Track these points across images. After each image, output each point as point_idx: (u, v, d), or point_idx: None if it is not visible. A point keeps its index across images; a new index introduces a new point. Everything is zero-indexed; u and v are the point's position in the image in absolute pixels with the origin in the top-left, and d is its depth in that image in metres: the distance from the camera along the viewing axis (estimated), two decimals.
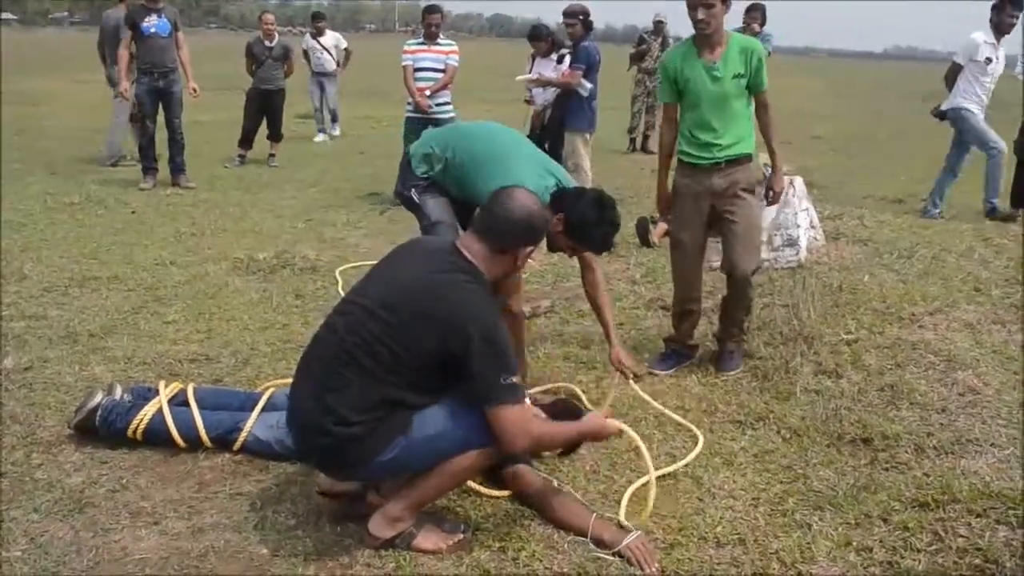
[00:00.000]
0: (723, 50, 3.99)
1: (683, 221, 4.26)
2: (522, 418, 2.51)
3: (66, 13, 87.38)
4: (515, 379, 2.48)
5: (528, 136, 7.00)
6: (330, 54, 12.43)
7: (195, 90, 8.63)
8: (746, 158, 4.12)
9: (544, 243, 3.78)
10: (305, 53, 12.47)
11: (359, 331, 2.53)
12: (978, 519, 2.91)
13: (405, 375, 2.50)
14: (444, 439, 2.53)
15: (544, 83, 8.08)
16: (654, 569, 2.60)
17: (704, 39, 4.00)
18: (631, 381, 3.78)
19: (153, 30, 8.11)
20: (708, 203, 4.12)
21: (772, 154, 4.24)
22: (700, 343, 4.45)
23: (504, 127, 4.04)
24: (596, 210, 3.47)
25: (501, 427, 2.46)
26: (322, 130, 12.96)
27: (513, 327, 3.68)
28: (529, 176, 3.60)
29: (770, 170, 4.34)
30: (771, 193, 4.32)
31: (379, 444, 2.50)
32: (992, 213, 8.21)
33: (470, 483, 2.96)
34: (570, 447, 3.14)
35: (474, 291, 2.56)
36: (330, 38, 12.54)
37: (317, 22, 12.47)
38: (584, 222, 3.46)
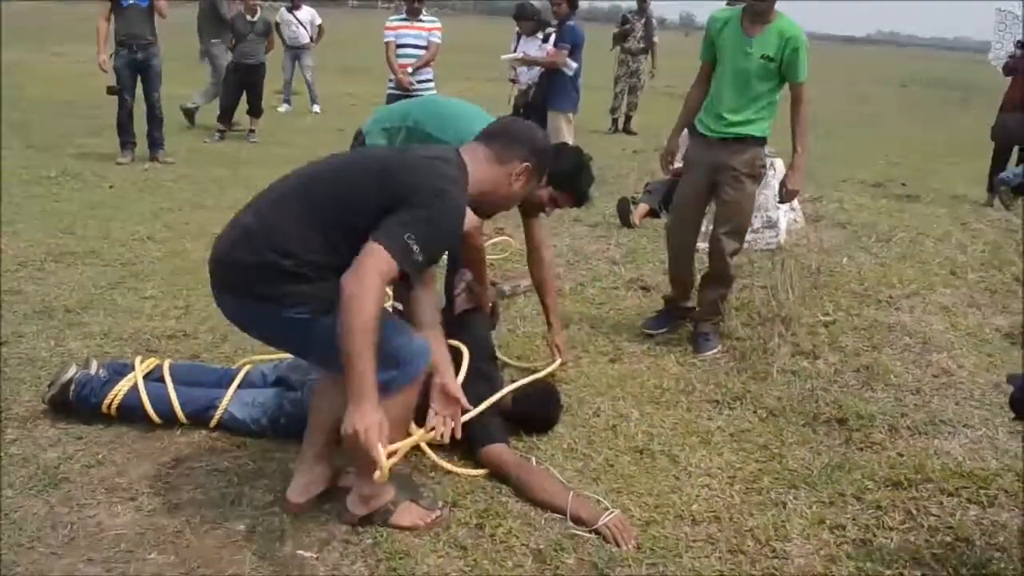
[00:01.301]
0: (764, 28, 3.92)
1: (685, 189, 4.29)
2: (384, 268, 2.21)
3: None
4: (422, 257, 2.27)
5: (512, 115, 6.99)
6: (305, 28, 12.36)
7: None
8: (754, 140, 4.05)
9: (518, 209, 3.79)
10: (277, 26, 12.37)
11: (316, 174, 2.52)
12: (950, 498, 2.96)
13: (343, 225, 2.33)
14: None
15: (530, 62, 8.04)
16: (631, 546, 2.62)
17: (754, 13, 3.94)
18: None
19: (132, 1, 7.97)
20: (710, 176, 4.12)
21: (794, 151, 4.11)
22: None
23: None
24: (577, 160, 3.58)
25: (360, 260, 2.21)
26: (287, 100, 12.95)
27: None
28: None
29: (772, 158, 4.29)
30: (784, 191, 4.22)
31: (292, 297, 2.35)
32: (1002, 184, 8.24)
33: (447, 465, 2.97)
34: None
35: (440, 167, 2.39)
36: (306, 13, 12.47)
37: None
38: (566, 170, 3.52)
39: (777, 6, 3.96)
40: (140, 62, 8.16)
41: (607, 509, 2.74)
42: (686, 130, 4.36)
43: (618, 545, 2.61)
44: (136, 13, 8.01)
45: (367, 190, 2.35)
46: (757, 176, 4.14)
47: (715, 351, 4.22)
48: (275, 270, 2.34)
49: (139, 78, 8.25)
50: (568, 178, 3.54)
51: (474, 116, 3.68)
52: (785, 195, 4.26)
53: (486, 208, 2.63)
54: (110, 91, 8.25)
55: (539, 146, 2.60)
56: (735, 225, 4.14)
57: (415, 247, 2.23)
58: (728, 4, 4.20)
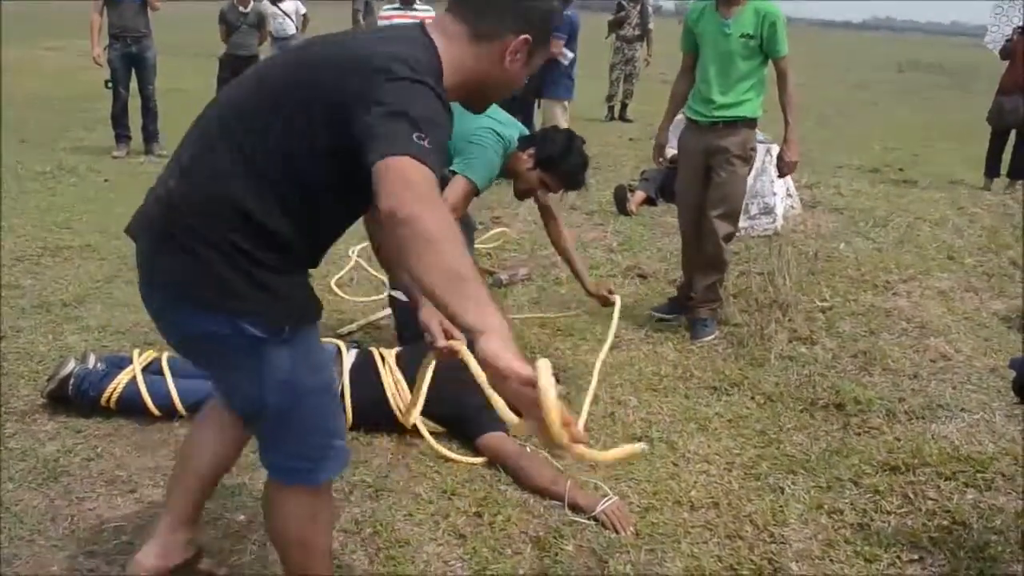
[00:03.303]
0: (739, 9, 3.98)
1: (684, 178, 4.33)
2: (425, 175, 1.47)
3: None
4: (429, 145, 1.50)
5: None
6: (291, 19, 12.31)
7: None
8: (744, 122, 4.10)
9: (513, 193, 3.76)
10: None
11: (249, 96, 1.77)
12: (947, 482, 2.97)
13: (286, 166, 1.67)
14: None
15: None
16: (629, 532, 2.63)
17: None
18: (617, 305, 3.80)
19: None
20: (706, 161, 4.15)
21: (785, 124, 4.17)
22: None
23: None
24: (566, 142, 3.53)
25: (383, 179, 1.46)
26: None
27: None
28: (499, 113, 3.56)
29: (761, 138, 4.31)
30: (782, 164, 4.28)
31: (241, 298, 1.69)
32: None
33: (445, 452, 2.98)
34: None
35: (406, 50, 1.64)
36: (290, 3, 12.40)
37: None
38: (555, 153, 3.50)
39: None
40: (134, 55, 8.14)
41: (605, 496, 2.75)
42: (677, 119, 4.40)
43: (617, 531, 2.62)
44: (129, 6, 7.99)
45: (307, 116, 1.65)
46: (748, 158, 4.17)
47: (712, 337, 4.23)
48: (226, 254, 1.68)
49: (133, 71, 8.24)
50: (558, 161, 3.52)
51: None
52: (784, 168, 4.30)
53: (478, 100, 1.89)
54: (107, 85, 8.24)
55: (538, 8, 1.77)
56: (728, 208, 4.16)
57: (423, 141, 1.50)
58: None
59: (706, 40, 4.09)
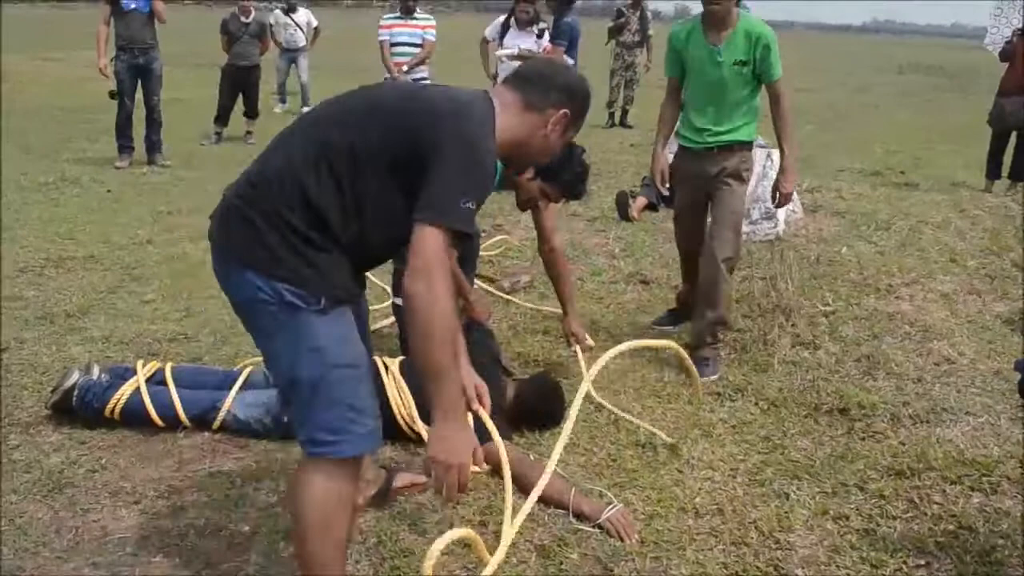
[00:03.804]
0: (728, 34, 3.81)
1: (681, 201, 4.26)
2: (442, 245, 1.86)
3: None
4: (473, 205, 1.92)
5: None
6: (301, 31, 12.36)
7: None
8: (740, 145, 3.96)
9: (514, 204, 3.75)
10: (271, 27, 12.34)
11: (322, 116, 2.14)
12: (952, 486, 2.97)
13: (354, 170, 1.97)
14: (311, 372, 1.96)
15: (526, 59, 8.00)
16: (634, 540, 2.62)
17: (712, 21, 3.83)
18: (580, 353, 3.74)
19: (133, 6, 7.96)
20: (704, 188, 4.03)
21: (781, 152, 4.04)
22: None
23: None
24: (566, 152, 3.50)
25: (417, 246, 1.85)
26: (283, 100, 13.06)
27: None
28: None
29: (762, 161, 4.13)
30: (777, 195, 4.07)
31: (287, 268, 1.95)
32: None
33: None
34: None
35: (467, 109, 2.01)
36: (302, 15, 12.45)
37: None
38: (554, 163, 3.46)
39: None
40: (141, 66, 8.18)
41: (610, 503, 2.75)
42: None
43: (621, 539, 2.62)
44: (136, 18, 8.02)
45: (382, 135, 1.98)
46: (745, 178, 4.04)
47: (716, 377, 3.91)
48: (276, 226, 1.95)
49: (139, 82, 8.26)
50: (558, 171, 3.50)
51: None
52: (780, 200, 4.11)
53: (518, 161, 2.28)
54: (112, 95, 8.27)
55: (578, 90, 2.20)
56: (724, 229, 3.97)
57: (469, 204, 1.90)
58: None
59: (695, 67, 3.92)
